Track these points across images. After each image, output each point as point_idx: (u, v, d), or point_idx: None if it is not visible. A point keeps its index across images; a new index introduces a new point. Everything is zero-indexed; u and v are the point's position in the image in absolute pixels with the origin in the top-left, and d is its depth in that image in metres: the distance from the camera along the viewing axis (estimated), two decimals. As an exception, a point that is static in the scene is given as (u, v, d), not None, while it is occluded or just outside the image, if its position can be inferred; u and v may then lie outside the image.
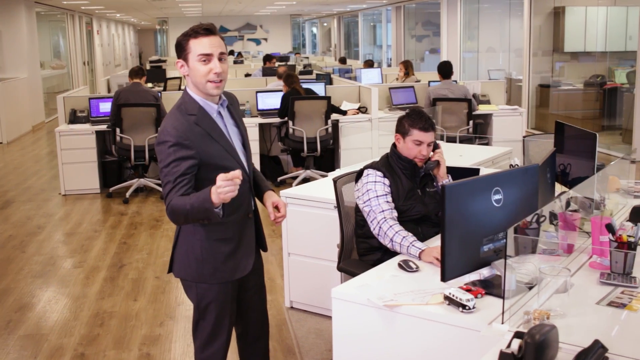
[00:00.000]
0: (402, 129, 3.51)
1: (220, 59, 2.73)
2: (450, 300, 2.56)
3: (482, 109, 9.21)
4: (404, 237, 3.19)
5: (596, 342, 2.12)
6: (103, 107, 8.53)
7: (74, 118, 8.56)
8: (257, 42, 28.96)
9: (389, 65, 20.90)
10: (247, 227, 2.92)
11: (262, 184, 3.08)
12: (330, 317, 3.21)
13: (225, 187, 2.49)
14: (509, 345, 2.08)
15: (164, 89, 12.04)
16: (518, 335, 2.11)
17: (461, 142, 8.14)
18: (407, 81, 10.70)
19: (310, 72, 13.81)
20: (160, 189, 8.17)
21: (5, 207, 7.92)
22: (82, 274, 5.65)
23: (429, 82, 9.67)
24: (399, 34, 20.86)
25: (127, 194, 8.05)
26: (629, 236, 2.91)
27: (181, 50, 2.75)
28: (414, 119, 3.48)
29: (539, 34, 13.35)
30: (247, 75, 14.03)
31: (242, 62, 19.29)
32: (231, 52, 24.10)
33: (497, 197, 2.73)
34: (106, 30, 27.01)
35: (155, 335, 4.44)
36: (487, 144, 8.58)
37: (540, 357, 2.04)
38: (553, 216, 3.31)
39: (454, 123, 8.44)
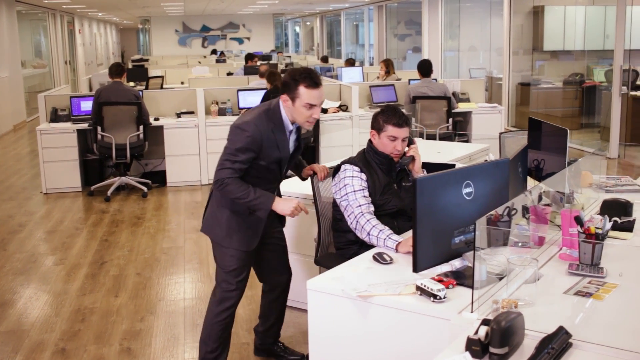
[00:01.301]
0: (376, 125, 3.58)
1: (319, 106, 3.37)
2: (422, 291, 2.63)
3: (461, 107, 9.30)
4: (380, 230, 3.26)
5: (560, 329, 2.20)
6: (84, 105, 8.55)
7: (55, 117, 8.57)
8: (240, 41, 28.96)
9: (371, 64, 20.99)
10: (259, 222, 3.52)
11: (301, 167, 3.82)
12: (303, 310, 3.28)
13: (297, 211, 3.37)
14: (476, 332, 2.16)
15: (146, 88, 12.04)
16: (485, 322, 2.18)
17: (441, 139, 8.22)
18: (388, 79, 10.77)
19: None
20: (141, 187, 8.23)
21: (-14, 206, 7.93)
22: (63, 271, 5.68)
23: (409, 80, 9.76)
24: (381, 33, 20.95)
25: (109, 192, 8.06)
26: (597, 228, 2.99)
27: (290, 90, 3.33)
28: (388, 115, 3.55)
29: (519, 33, 13.48)
30: (229, 74, 14.07)
31: (224, 61, 19.32)
32: (214, 51, 24.13)
33: (468, 190, 2.80)
34: (88, 30, 26.92)
35: (136, 330, 4.48)
36: (466, 141, 8.67)
37: (506, 342, 2.12)
38: (525, 209, 3.39)
39: (433, 121, 8.53)
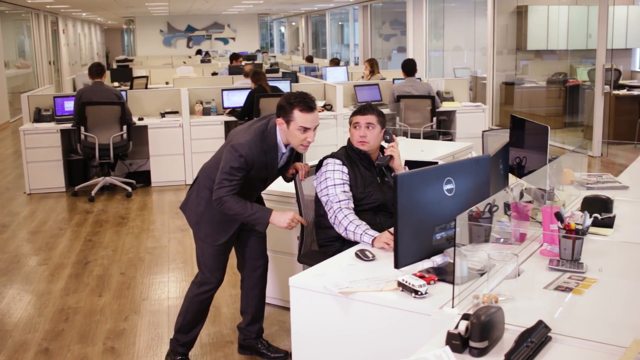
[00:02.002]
0: (350, 121, 3.67)
1: (313, 129, 3.47)
2: (403, 287, 2.64)
3: (445, 106, 9.34)
4: (357, 225, 3.30)
5: (540, 322, 2.22)
6: (68, 105, 8.51)
7: (38, 117, 8.53)
8: (225, 41, 28.92)
9: (357, 64, 21.01)
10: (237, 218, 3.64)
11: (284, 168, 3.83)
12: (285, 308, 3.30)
13: (293, 223, 3.45)
14: (456, 327, 2.17)
15: (131, 88, 12.00)
16: (465, 317, 2.20)
17: (425, 138, 8.26)
18: (373, 79, 10.79)
19: (276, 71, 13.88)
20: (125, 187, 8.21)
21: (-31, 207, 7.88)
22: (46, 271, 5.65)
23: (394, 79, 9.78)
24: (366, 33, 20.98)
25: (93, 192, 8.04)
26: (577, 224, 3.02)
27: (285, 113, 3.42)
28: (356, 110, 3.69)
29: (503, 32, 13.54)
30: (214, 74, 14.04)
31: (209, 61, 19.28)
32: (199, 52, 24.07)
33: (448, 186, 2.82)
34: (72, 30, 26.79)
35: (119, 330, 4.47)
36: (450, 140, 8.71)
37: (486, 337, 2.13)
38: (507, 206, 3.41)
39: (417, 120, 8.56)
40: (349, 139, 3.66)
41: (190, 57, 22.83)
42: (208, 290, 3.77)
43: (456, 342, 2.13)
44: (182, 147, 8.57)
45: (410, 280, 2.63)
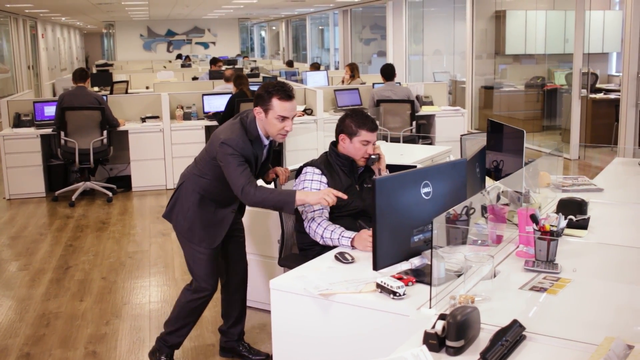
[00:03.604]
0: (348, 129, 3.61)
1: (292, 118, 3.47)
2: (382, 288, 2.69)
3: (425, 110, 9.42)
4: (332, 231, 3.34)
5: (514, 322, 2.28)
6: (48, 110, 8.49)
7: (18, 122, 8.50)
8: (205, 45, 28.90)
9: (337, 68, 21.08)
10: (227, 217, 3.69)
11: (264, 170, 3.84)
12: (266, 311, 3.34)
13: (329, 197, 3.30)
14: (433, 327, 2.23)
15: (111, 93, 11.98)
16: (442, 317, 2.25)
17: (405, 142, 8.32)
18: (353, 83, 10.87)
19: (257, 75, 13.92)
20: (106, 192, 8.20)
21: (-52, 212, 7.84)
22: (27, 276, 5.65)
23: (374, 84, 9.85)
24: (346, 38, 21.07)
25: (73, 197, 8.02)
26: (552, 226, 3.08)
27: (263, 102, 3.42)
28: (360, 119, 3.60)
29: (483, 37, 13.67)
30: (195, 78, 14.06)
31: (189, 65, 19.26)
32: (179, 56, 24.04)
33: (426, 190, 2.88)
34: (51, 34, 26.64)
35: (101, 334, 4.48)
36: (430, 144, 8.79)
37: (462, 336, 2.19)
38: (484, 209, 3.48)
39: (397, 124, 8.63)
40: (332, 142, 3.69)
41: (170, 61, 22.80)
42: (203, 297, 3.77)
43: (433, 341, 2.19)
44: (163, 151, 8.58)
45: (389, 282, 2.68)
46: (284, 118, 3.42)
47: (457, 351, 2.18)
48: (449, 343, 2.18)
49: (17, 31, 19.84)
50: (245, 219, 4.14)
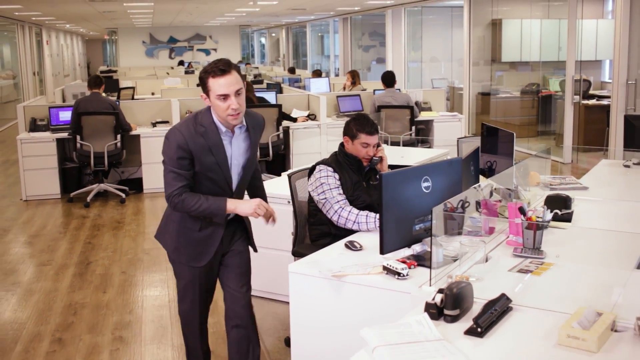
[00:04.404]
0: (350, 132, 4.02)
1: (237, 94, 3.14)
2: (388, 270, 3.07)
3: (423, 116, 9.81)
4: (367, 215, 3.74)
5: (502, 295, 2.66)
6: (63, 115, 8.87)
7: (34, 126, 8.88)
8: (207, 52, 29.29)
9: (337, 75, 21.48)
10: (214, 233, 3.38)
11: (258, 194, 3.67)
12: (285, 302, 3.73)
13: (261, 210, 3.24)
14: (433, 299, 2.61)
15: (118, 98, 12.35)
16: (440, 291, 2.63)
17: (404, 146, 8.71)
18: (354, 90, 11.26)
19: (261, 82, 14.31)
20: (119, 193, 8.57)
21: (-31, 213, 8.22)
22: (51, 270, 6.02)
23: (374, 90, 10.25)
24: (346, 44, 21.48)
25: (88, 199, 8.40)
26: (538, 217, 3.46)
27: (203, 86, 3.17)
28: (361, 124, 4.01)
29: (481, 44, 14.07)
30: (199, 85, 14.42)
31: (193, 72, 19.66)
32: (181, 63, 24.44)
33: (426, 184, 3.26)
34: (55, 41, 27.05)
35: (125, 322, 4.86)
36: (429, 147, 9.18)
37: (457, 306, 2.57)
38: (478, 204, 3.86)
39: (397, 129, 9.02)
40: (341, 144, 4.08)
41: (172, 68, 23.20)
42: (190, 328, 3.56)
43: (433, 310, 2.56)
44: (173, 155, 8.92)
45: (394, 264, 3.06)
46: (225, 96, 3.12)
47: (454, 319, 2.55)
48: (446, 312, 2.55)
49: (23, 38, 20.23)
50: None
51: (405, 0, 15.58)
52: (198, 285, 3.43)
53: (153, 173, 8.91)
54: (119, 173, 9.31)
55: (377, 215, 3.65)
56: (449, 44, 16.78)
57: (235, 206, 3.24)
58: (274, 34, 34.63)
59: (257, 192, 3.66)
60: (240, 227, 3.54)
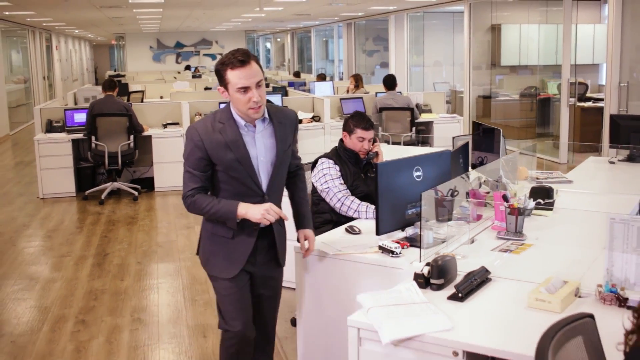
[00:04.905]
0: (348, 128, 4.43)
1: (258, 86, 2.99)
2: (383, 249, 3.44)
3: (424, 117, 10.19)
4: (367, 206, 4.15)
5: (482, 267, 3.03)
6: (77, 117, 9.27)
7: (50, 127, 9.28)
8: (213, 57, 29.71)
9: (341, 79, 21.87)
10: (244, 242, 3.17)
11: (304, 220, 3.46)
12: (290, 288, 4.13)
13: (270, 215, 3.04)
14: (421, 270, 2.98)
15: (128, 101, 12.74)
16: (428, 264, 3.01)
17: (405, 145, 9.09)
18: (358, 93, 11.65)
19: (267, 85, 14.71)
20: (132, 191, 8.96)
21: (-11, 210, 8.63)
22: (71, 261, 6.41)
23: (376, 93, 10.63)
24: (350, 49, 21.88)
25: (103, 196, 8.80)
26: (520, 204, 3.84)
27: (220, 78, 3.01)
28: (357, 120, 4.41)
29: (480, 49, 14.45)
30: (207, 88, 14.85)
31: (200, 76, 20.08)
32: (187, 67, 24.88)
33: (417, 173, 3.64)
34: (64, 46, 27.53)
35: (143, 305, 5.24)
36: (429, 147, 9.55)
37: (442, 276, 2.94)
38: (467, 194, 4.23)
39: (398, 129, 9.40)
40: (341, 139, 4.47)
41: (179, 72, 23.65)
42: (233, 341, 3.29)
43: (420, 280, 2.94)
44: (183, 155, 9.32)
45: (388, 244, 3.43)
46: (245, 89, 2.96)
47: (439, 287, 2.92)
48: (432, 281, 2.93)
49: (34, 43, 20.68)
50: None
51: (407, 6, 15.97)
52: (234, 295, 3.22)
53: (164, 172, 9.31)
54: (131, 172, 9.69)
55: (374, 207, 4.04)
56: (451, 48, 17.17)
57: (246, 211, 3.04)
58: (279, 39, 35.04)
59: (299, 192, 3.48)
60: (274, 245, 3.31)
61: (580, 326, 2.02)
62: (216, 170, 3.07)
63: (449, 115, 10.65)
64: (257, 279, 3.31)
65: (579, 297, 2.82)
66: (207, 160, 3.04)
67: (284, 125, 3.18)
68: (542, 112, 13.47)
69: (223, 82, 3.01)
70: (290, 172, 3.40)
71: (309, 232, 3.44)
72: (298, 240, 3.48)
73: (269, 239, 3.26)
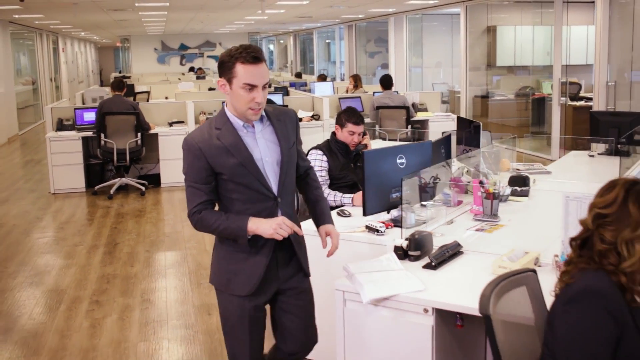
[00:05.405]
0: (340, 122, 4.85)
1: (264, 88, 2.81)
2: (369, 229, 3.84)
3: (419, 116, 10.59)
4: (334, 194, 4.58)
5: (455, 241, 3.43)
6: (87, 116, 9.70)
7: (60, 126, 9.69)
8: (217, 59, 30.05)
9: (342, 80, 22.27)
10: (265, 247, 2.93)
11: (323, 216, 3.24)
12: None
13: (283, 229, 2.80)
14: (401, 244, 3.37)
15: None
16: (407, 239, 3.40)
17: (401, 142, 9.49)
18: (357, 92, 12.04)
19: (269, 86, 15.10)
20: (139, 186, 9.37)
21: (3, 204, 9.03)
22: (83, 250, 6.82)
23: (374, 92, 11.03)
24: (351, 51, 22.28)
25: (111, 191, 9.21)
26: (495, 190, 4.23)
27: (226, 70, 2.79)
28: (349, 115, 4.84)
29: (477, 50, 14.84)
30: (211, 89, 15.27)
31: (204, 77, 20.50)
32: (191, 69, 25.31)
33: (401, 161, 4.04)
34: (70, 48, 27.97)
35: (152, 288, 5.65)
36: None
37: (419, 248, 3.33)
38: (449, 182, 4.63)
39: (394, 127, 9.79)
40: (333, 132, 4.88)
41: (183, 74, 24.08)
42: None
43: (399, 252, 3.33)
44: (188, 152, 9.74)
45: (374, 224, 3.83)
46: (251, 87, 2.76)
47: (416, 258, 3.32)
48: (410, 252, 3.32)
49: (41, 46, 21.11)
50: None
51: (406, 8, 16.36)
52: (247, 321, 2.97)
53: (170, 169, 9.71)
54: (138, 169, 10.10)
55: (343, 195, 4.53)
56: (450, 49, 17.56)
57: (257, 226, 2.81)
58: (282, 41, 35.46)
59: (313, 191, 3.27)
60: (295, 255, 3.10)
61: (523, 278, 2.42)
62: (222, 179, 2.85)
63: (444, 113, 11.05)
64: (285, 296, 3.06)
65: (539, 265, 3.22)
66: (209, 170, 2.82)
67: (284, 123, 2.99)
68: (537, 112, 13.85)
69: (228, 74, 2.78)
70: (300, 175, 3.20)
71: (330, 227, 3.20)
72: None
73: (289, 250, 3.03)
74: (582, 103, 12.42)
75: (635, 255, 2.04)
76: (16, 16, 15.99)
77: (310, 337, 3.18)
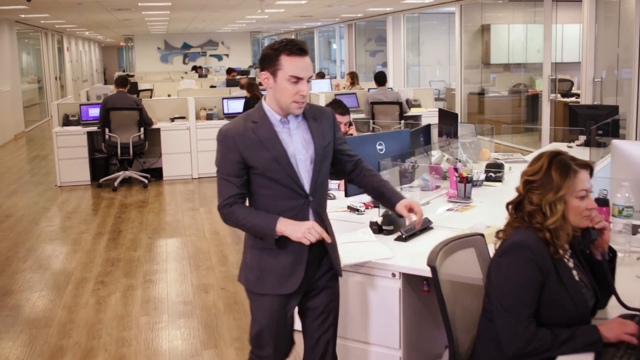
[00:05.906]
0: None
1: (308, 81, 2.80)
2: (350, 209, 4.21)
3: (413, 111, 10.96)
4: None
5: (426, 218, 3.79)
6: (92, 112, 10.08)
7: (66, 121, 10.08)
8: (219, 57, 30.51)
9: (343, 78, 22.62)
10: (299, 246, 2.83)
11: (394, 195, 3.15)
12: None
13: (312, 234, 2.74)
14: (376, 220, 3.74)
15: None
16: (382, 215, 3.77)
17: (393, 137, 9.85)
18: (353, 89, 12.41)
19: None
20: (142, 179, 9.75)
21: (12, 196, 9.42)
22: (89, 237, 7.20)
23: (369, 89, 11.40)
24: (351, 49, 22.64)
25: (115, 184, 9.60)
26: (469, 175, 4.60)
27: (270, 63, 2.76)
28: (335, 106, 5.21)
29: (472, 48, 15.20)
30: (212, 86, 15.66)
31: (206, 75, 20.91)
32: (194, 68, 25.69)
33: (380, 147, 4.41)
34: (75, 47, 28.38)
35: (154, 270, 6.03)
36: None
37: (392, 224, 3.70)
38: (428, 168, 5.00)
39: (387, 122, 10.16)
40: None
41: (186, 72, 24.47)
42: None
43: (374, 227, 3.70)
44: (189, 146, 10.15)
45: (355, 204, 4.20)
46: (297, 79, 2.74)
47: (389, 233, 3.69)
48: (384, 227, 3.69)
49: (46, 45, 21.52)
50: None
51: (403, 7, 16.72)
52: (276, 323, 2.92)
53: (172, 162, 10.11)
54: (141, 163, 10.48)
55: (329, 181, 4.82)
56: (446, 48, 17.91)
57: (286, 228, 2.76)
58: (283, 40, 35.80)
59: (373, 178, 3.21)
60: (327, 257, 3.00)
61: (472, 240, 2.79)
62: (254, 174, 2.80)
63: (436, 109, 11.41)
64: (315, 297, 3.00)
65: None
66: (243, 164, 2.78)
67: (319, 121, 2.92)
68: (530, 108, 14.22)
69: (273, 66, 2.75)
70: (353, 170, 3.19)
71: (407, 200, 3.13)
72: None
73: (320, 248, 2.93)
74: (573, 99, 12.78)
75: (556, 214, 2.43)
76: (22, 16, 16.39)
77: (333, 341, 3.10)
